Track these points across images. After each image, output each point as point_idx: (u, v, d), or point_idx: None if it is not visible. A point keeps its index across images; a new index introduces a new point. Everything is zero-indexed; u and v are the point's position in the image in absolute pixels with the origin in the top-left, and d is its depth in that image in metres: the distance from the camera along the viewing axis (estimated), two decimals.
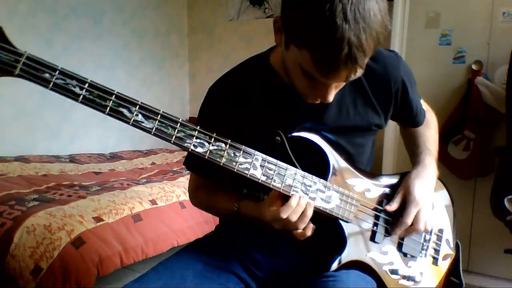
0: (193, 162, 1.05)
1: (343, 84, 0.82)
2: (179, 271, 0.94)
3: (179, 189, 2.22)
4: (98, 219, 1.77)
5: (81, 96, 0.71)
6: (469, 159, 2.28)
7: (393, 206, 0.97)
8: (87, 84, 0.72)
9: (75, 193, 2.04)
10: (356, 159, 1.00)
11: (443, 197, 1.11)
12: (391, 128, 2.47)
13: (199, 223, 2.12)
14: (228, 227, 1.11)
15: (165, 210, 2.05)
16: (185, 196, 2.18)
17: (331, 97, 0.83)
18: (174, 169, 2.80)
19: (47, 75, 0.69)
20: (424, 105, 1.13)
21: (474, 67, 2.27)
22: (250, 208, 0.94)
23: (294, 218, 0.84)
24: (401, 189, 0.99)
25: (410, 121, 1.11)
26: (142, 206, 1.98)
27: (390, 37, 2.43)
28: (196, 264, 0.97)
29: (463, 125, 2.28)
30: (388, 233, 0.99)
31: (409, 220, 0.96)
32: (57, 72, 0.70)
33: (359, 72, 0.75)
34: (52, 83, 0.70)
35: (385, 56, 0.97)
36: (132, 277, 0.93)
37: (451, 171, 2.31)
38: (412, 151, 1.11)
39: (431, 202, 1.02)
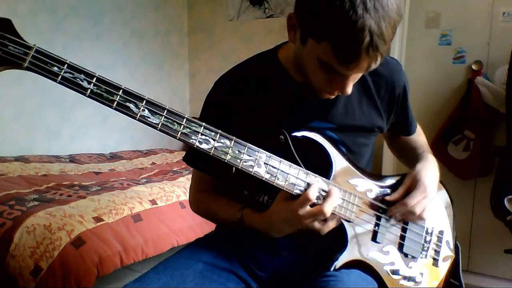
0: (194, 157, 1.04)
1: (360, 75, 0.84)
2: (179, 271, 0.94)
3: (179, 189, 2.22)
4: (98, 219, 1.77)
5: (89, 90, 0.72)
6: (469, 159, 2.28)
7: (394, 196, 0.97)
8: (95, 79, 0.72)
9: (75, 193, 2.04)
10: (357, 159, 1.00)
11: (443, 198, 1.11)
12: None
13: (199, 223, 2.11)
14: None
15: (165, 210, 2.05)
16: (185, 196, 2.18)
17: (349, 89, 0.84)
18: (174, 169, 2.80)
19: (55, 68, 0.70)
20: None
21: (474, 67, 2.27)
22: (255, 217, 0.94)
23: (323, 203, 0.84)
24: (407, 179, 0.99)
25: (405, 128, 1.14)
26: (142, 206, 1.98)
27: None
28: (196, 264, 0.97)
29: (463, 125, 2.28)
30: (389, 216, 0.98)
31: (412, 202, 0.95)
32: (66, 66, 0.71)
33: (379, 61, 0.77)
34: (60, 77, 0.70)
35: (389, 60, 1.01)
36: (132, 277, 0.93)
37: (451, 171, 2.31)
38: (410, 155, 1.12)
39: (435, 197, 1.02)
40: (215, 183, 1.06)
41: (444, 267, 1.08)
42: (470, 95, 2.25)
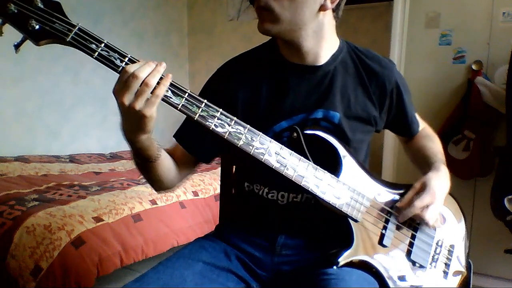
0: (187, 136, 1.03)
1: None
2: (179, 271, 0.93)
3: (178, 189, 2.22)
4: (98, 219, 1.77)
5: (121, 68, 0.79)
6: (469, 159, 2.28)
7: (403, 202, 0.97)
8: (127, 58, 0.80)
9: (75, 193, 2.04)
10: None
11: (455, 214, 1.10)
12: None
13: (199, 223, 2.11)
14: (228, 226, 1.11)
15: (165, 210, 2.05)
16: (185, 196, 2.18)
17: None
18: None
19: (93, 45, 0.77)
20: (422, 121, 1.20)
21: (474, 67, 2.27)
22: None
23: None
24: (416, 184, 0.99)
25: (404, 129, 1.15)
26: (142, 206, 1.98)
27: (390, 37, 2.43)
28: (196, 263, 0.97)
29: (463, 125, 2.28)
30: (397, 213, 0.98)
31: (419, 203, 0.94)
32: (103, 44, 0.78)
33: None
34: (97, 53, 0.77)
35: (381, 58, 1.06)
36: (132, 277, 0.93)
37: (451, 171, 2.27)
38: (422, 162, 1.11)
39: (444, 211, 1.02)
40: (184, 160, 1.03)
41: (454, 281, 1.06)
42: (470, 95, 2.25)
